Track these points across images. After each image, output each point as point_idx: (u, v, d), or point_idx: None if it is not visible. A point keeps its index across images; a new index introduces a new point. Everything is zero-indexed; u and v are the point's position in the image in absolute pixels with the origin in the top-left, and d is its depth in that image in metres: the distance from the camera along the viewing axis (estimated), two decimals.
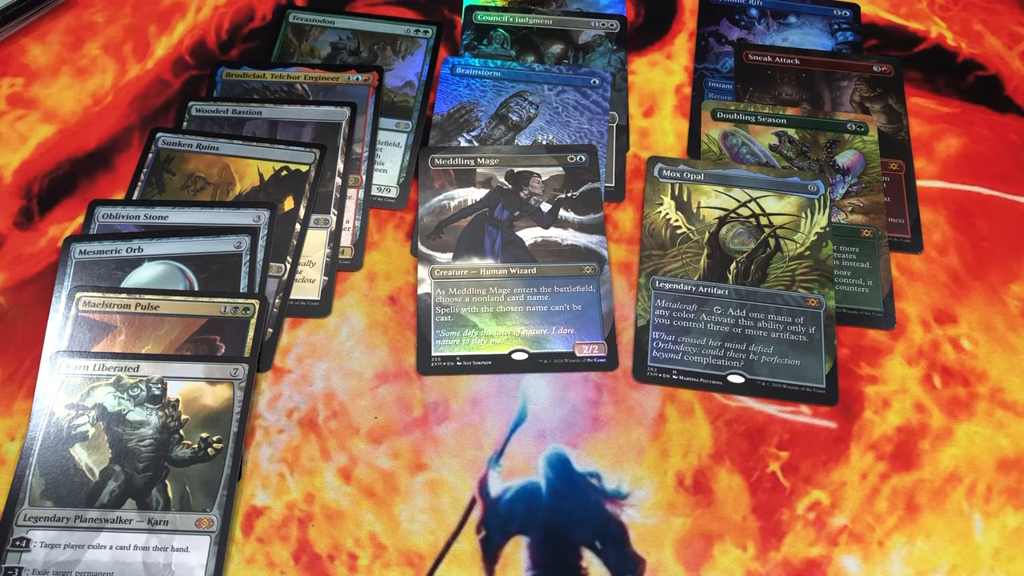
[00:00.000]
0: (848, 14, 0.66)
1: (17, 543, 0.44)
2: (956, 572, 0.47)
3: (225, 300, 0.51)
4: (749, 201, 0.56)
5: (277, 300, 0.53)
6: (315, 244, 0.55)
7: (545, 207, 0.56)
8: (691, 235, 0.55)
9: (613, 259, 0.55)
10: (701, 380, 0.51)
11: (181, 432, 0.47)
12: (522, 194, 0.56)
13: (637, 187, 0.58)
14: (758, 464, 0.49)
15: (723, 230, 0.55)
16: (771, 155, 0.59)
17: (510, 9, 0.65)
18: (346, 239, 0.55)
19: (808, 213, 0.56)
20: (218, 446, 0.47)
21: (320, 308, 0.53)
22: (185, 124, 0.58)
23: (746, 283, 0.54)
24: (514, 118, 0.60)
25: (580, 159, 0.57)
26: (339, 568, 0.46)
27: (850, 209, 0.57)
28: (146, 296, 0.50)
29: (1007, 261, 0.56)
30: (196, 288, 0.52)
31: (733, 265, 0.54)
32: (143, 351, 0.49)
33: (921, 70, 0.64)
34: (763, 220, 0.56)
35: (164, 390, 0.48)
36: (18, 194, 0.57)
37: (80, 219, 0.55)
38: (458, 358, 0.51)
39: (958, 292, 0.55)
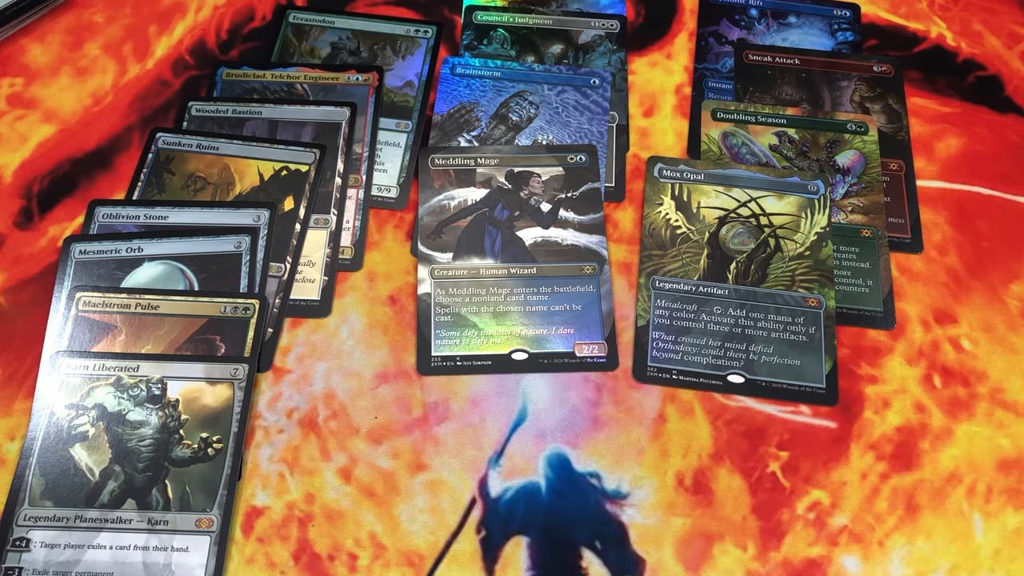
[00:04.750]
0: (848, 14, 0.66)
1: (17, 543, 0.44)
2: (956, 572, 0.47)
3: (225, 300, 0.51)
4: (749, 201, 0.56)
5: (277, 300, 0.53)
6: (315, 244, 0.55)
7: (545, 207, 0.56)
8: (691, 235, 0.55)
9: (613, 259, 0.55)
10: (701, 380, 0.51)
11: (181, 432, 0.47)
12: (522, 194, 0.56)
13: (637, 187, 0.58)
14: (758, 464, 0.49)
15: (723, 230, 0.55)
16: (771, 155, 0.59)
17: (510, 9, 0.65)
18: (346, 239, 0.55)
19: (808, 213, 0.56)
20: (218, 446, 0.47)
21: (320, 308, 0.53)
22: (185, 124, 0.58)
23: (746, 283, 0.54)
24: (514, 118, 0.60)
25: (580, 159, 0.57)
26: (339, 568, 0.46)
27: (850, 209, 0.57)
28: (146, 296, 0.50)
29: (1007, 261, 0.56)
30: (196, 288, 0.52)
31: (733, 265, 0.54)
32: (143, 351, 0.49)
33: (921, 70, 0.64)
34: (763, 220, 0.56)
35: (164, 390, 0.48)
36: (18, 194, 0.57)
37: (80, 219, 0.55)
38: (458, 358, 0.51)
39: (958, 292, 0.55)
